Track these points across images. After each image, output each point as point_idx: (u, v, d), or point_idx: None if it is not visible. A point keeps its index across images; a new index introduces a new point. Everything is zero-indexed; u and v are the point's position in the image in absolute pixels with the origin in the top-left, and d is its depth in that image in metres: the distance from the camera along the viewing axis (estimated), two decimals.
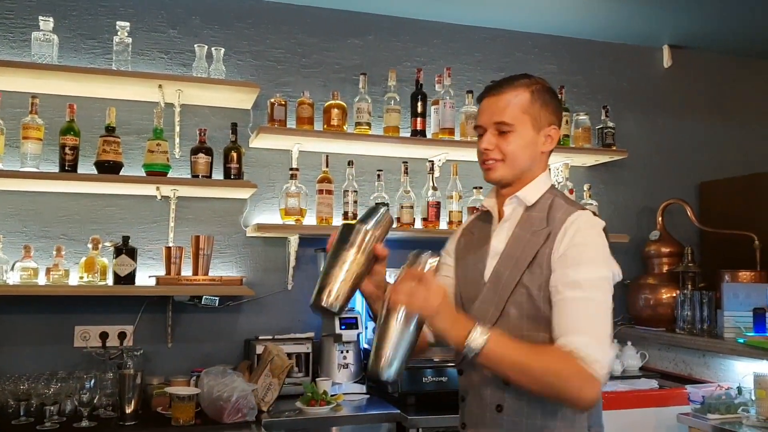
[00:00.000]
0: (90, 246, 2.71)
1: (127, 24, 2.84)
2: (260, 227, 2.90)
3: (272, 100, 2.97)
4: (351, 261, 1.36)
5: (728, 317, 2.94)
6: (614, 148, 3.46)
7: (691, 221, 3.50)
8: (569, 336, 1.33)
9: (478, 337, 1.29)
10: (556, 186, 1.66)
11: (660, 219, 3.54)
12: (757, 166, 3.65)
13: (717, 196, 3.72)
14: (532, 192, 1.54)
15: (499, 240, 1.54)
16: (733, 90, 3.98)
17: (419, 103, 3.15)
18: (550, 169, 1.56)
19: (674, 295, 3.32)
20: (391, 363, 1.29)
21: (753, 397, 2.63)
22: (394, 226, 2.88)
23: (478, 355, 1.29)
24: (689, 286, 3.29)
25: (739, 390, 2.74)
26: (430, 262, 1.38)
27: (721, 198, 3.70)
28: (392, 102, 3.11)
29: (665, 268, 3.46)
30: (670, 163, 3.79)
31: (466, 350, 1.29)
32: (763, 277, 3.13)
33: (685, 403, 2.77)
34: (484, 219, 1.64)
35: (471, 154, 3.23)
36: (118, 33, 2.82)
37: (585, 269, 1.38)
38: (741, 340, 2.77)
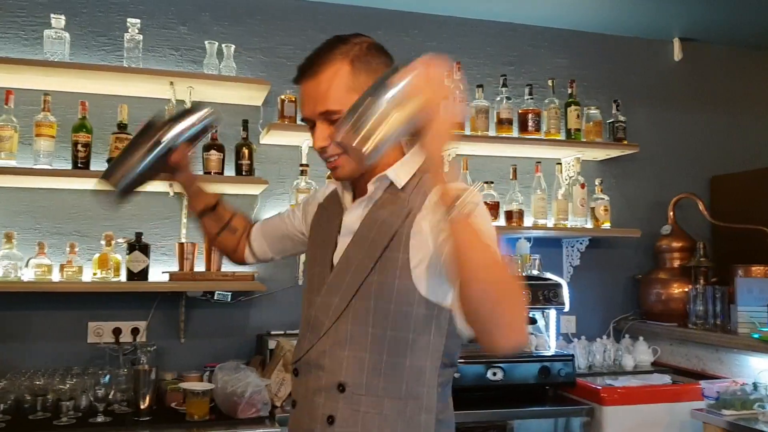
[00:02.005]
0: (103, 242, 2.72)
1: (138, 21, 2.85)
2: None
3: (282, 97, 2.98)
4: (134, 146, 1.46)
5: (742, 312, 2.93)
6: (625, 142, 3.44)
7: (702, 215, 3.48)
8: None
9: (477, 192, 1.05)
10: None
11: (671, 213, 3.52)
12: None
13: (729, 190, 3.70)
14: (403, 171, 1.32)
15: (354, 219, 1.33)
16: (744, 83, 3.95)
17: None
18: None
19: (686, 290, 3.30)
20: (374, 142, 1.04)
21: None
22: None
23: (468, 215, 1.03)
24: (701, 281, 3.28)
25: (755, 386, 2.73)
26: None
27: (733, 192, 3.67)
28: None
29: (677, 263, 3.44)
30: (682, 157, 3.77)
31: (457, 206, 1.03)
32: None
33: (699, 399, 2.76)
34: (336, 195, 1.45)
35: (481, 149, 3.24)
36: (129, 30, 2.83)
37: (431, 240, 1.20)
38: (755, 335, 2.76)
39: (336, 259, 1.34)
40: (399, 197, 1.30)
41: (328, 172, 2.97)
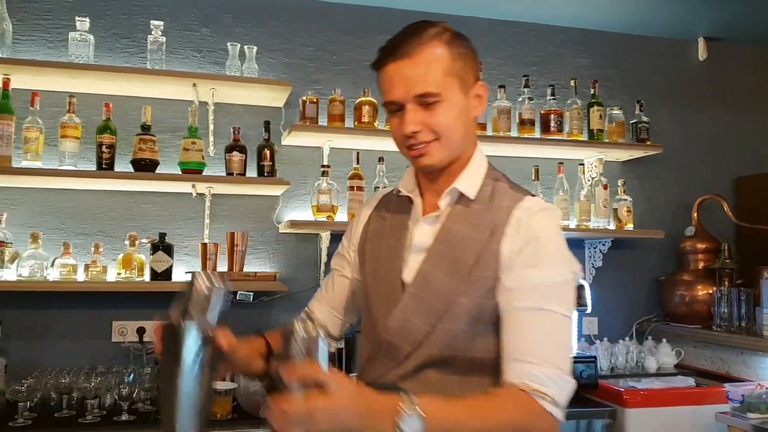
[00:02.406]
0: (127, 242, 2.75)
1: (161, 23, 2.88)
2: (293, 224, 2.91)
3: (304, 98, 2.99)
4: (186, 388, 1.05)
5: None
6: (649, 143, 3.41)
7: (727, 217, 3.43)
8: (525, 364, 1.09)
9: (409, 421, 0.94)
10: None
11: (695, 214, 3.48)
12: None
13: (754, 191, 3.65)
14: (472, 181, 1.27)
15: (425, 233, 1.26)
16: None
17: None
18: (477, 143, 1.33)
19: (710, 291, 3.26)
20: None
21: None
22: None
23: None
24: (726, 283, 3.24)
25: None
26: (321, 347, 0.98)
27: (758, 193, 3.62)
28: None
29: (701, 265, 3.40)
30: (706, 157, 3.73)
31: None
32: None
33: (724, 402, 2.72)
34: (399, 203, 1.35)
35: (503, 150, 3.23)
36: (152, 32, 2.85)
37: (545, 271, 1.15)
38: None
39: (407, 277, 1.24)
40: (473, 210, 1.24)
41: (350, 172, 3.00)
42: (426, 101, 1.18)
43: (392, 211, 1.36)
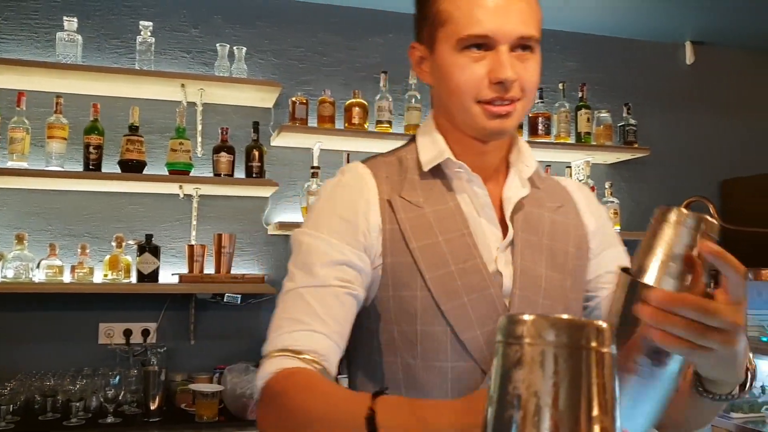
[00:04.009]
0: (114, 244, 2.74)
1: (150, 24, 2.86)
2: (281, 225, 2.91)
3: (293, 99, 2.98)
4: None
5: (751, 316, 2.91)
6: (636, 145, 3.43)
7: (713, 219, 3.46)
8: None
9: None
10: None
11: None
12: None
13: (739, 194, 3.68)
14: (530, 157, 1.09)
15: (497, 221, 1.02)
16: (756, 86, 3.93)
17: None
18: None
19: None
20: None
21: None
22: None
23: None
24: (711, 285, 3.26)
25: (763, 389, 2.73)
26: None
27: (743, 196, 3.66)
28: (413, 100, 3.11)
29: None
30: (693, 160, 3.76)
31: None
32: None
33: None
34: (428, 182, 1.03)
35: None
36: (141, 32, 2.84)
37: (624, 251, 1.08)
38: (765, 339, 2.75)
39: (494, 268, 0.98)
40: (543, 191, 1.08)
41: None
42: (525, 48, 0.96)
43: (423, 194, 1.02)
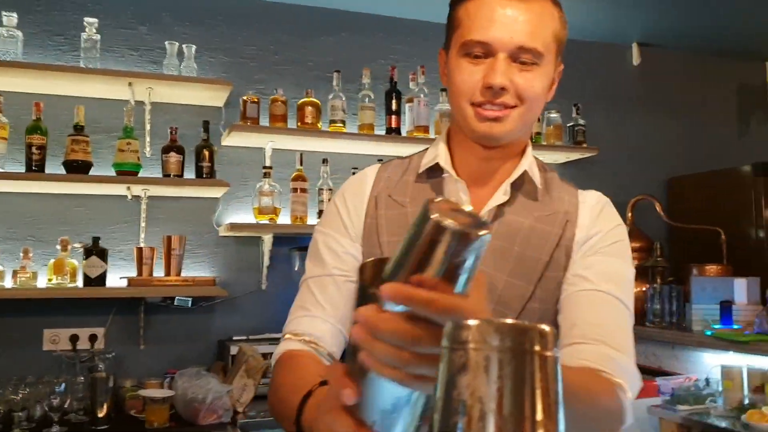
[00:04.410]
0: (59, 247, 2.66)
1: (95, 20, 2.79)
2: (233, 227, 2.87)
3: (245, 98, 2.94)
4: None
5: (696, 310, 3.00)
6: (585, 145, 3.50)
7: (659, 216, 3.56)
8: (610, 349, 0.95)
9: None
10: None
11: (630, 214, 3.59)
12: (723, 162, 3.73)
13: (685, 192, 3.80)
14: (534, 169, 1.10)
15: None
16: (699, 87, 4.06)
17: (394, 101, 3.15)
18: None
19: (644, 289, 3.37)
20: None
21: (720, 388, 2.70)
22: None
23: None
24: (658, 280, 3.35)
25: (707, 381, 2.81)
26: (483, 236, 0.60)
27: (688, 193, 3.77)
28: (367, 100, 3.10)
29: (635, 263, 3.49)
30: (640, 159, 3.85)
31: None
32: (730, 270, 3.20)
33: (656, 395, 2.82)
34: (419, 185, 1.10)
35: None
36: (86, 29, 2.76)
37: (621, 265, 1.05)
38: (709, 333, 2.83)
39: None
40: (539, 201, 1.08)
41: (293, 174, 2.97)
42: (524, 58, 0.99)
43: (412, 195, 1.09)
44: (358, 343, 0.60)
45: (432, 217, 0.60)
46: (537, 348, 0.50)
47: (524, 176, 1.08)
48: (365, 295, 0.67)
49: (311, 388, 0.82)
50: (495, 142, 1.05)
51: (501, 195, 1.06)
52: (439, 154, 1.09)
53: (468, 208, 0.65)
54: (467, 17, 1.00)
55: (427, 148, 1.15)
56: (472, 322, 0.51)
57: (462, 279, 0.62)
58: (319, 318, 1.06)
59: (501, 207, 1.06)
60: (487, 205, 1.06)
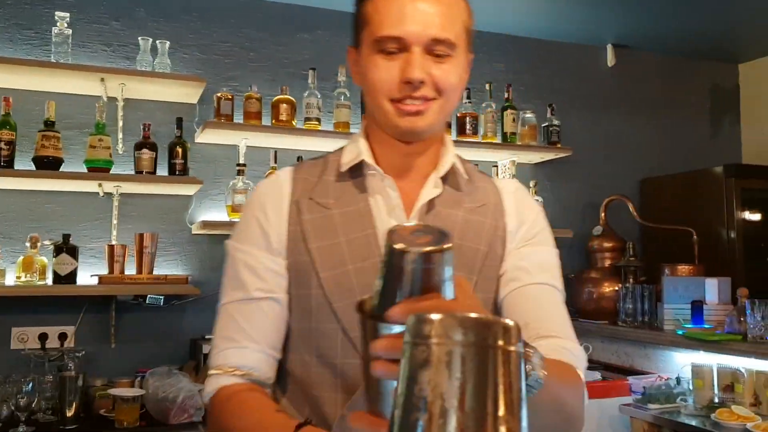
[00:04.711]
0: (28, 244, 2.62)
1: (67, 15, 2.75)
2: (206, 224, 2.85)
3: (219, 95, 2.92)
4: None
5: (668, 310, 3.03)
6: (559, 145, 3.53)
7: (632, 217, 3.59)
8: (562, 340, 0.98)
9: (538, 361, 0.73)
10: None
11: (603, 214, 3.62)
12: (695, 163, 3.78)
13: (658, 192, 3.84)
14: (457, 160, 1.10)
15: (402, 219, 1.03)
16: (673, 89, 4.10)
17: None
18: None
19: (616, 288, 3.40)
20: None
21: (691, 387, 2.73)
22: None
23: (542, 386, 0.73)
24: (631, 280, 3.38)
25: (678, 380, 2.84)
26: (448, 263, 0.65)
27: (661, 194, 3.81)
28: (342, 98, 3.10)
29: (608, 263, 3.54)
30: (613, 159, 3.89)
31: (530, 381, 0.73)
32: (701, 270, 3.24)
33: (627, 394, 2.85)
34: (341, 185, 1.06)
35: None
36: (58, 24, 2.73)
37: (550, 252, 1.09)
38: (680, 332, 2.86)
39: None
40: (465, 192, 1.08)
41: (268, 171, 2.95)
42: (438, 51, 0.98)
43: (335, 195, 1.05)
44: (385, 377, 0.61)
45: (396, 247, 0.62)
46: (501, 343, 0.49)
47: (451, 168, 1.07)
48: (368, 328, 0.67)
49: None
50: (417, 137, 1.03)
51: (432, 189, 1.05)
52: (362, 151, 1.06)
53: (420, 224, 0.67)
54: (377, 13, 0.99)
55: (342, 147, 1.12)
56: (434, 316, 0.50)
57: (448, 288, 0.65)
58: (248, 348, 1.00)
59: (432, 201, 1.05)
60: (419, 199, 1.04)
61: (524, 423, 0.49)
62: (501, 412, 0.48)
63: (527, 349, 0.72)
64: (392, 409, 0.51)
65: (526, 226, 1.08)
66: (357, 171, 1.06)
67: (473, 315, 0.49)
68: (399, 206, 1.04)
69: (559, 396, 0.83)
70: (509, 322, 0.50)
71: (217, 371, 1.00)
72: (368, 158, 1.05)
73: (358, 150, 1.06)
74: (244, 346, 1.00)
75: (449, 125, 3.29)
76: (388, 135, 1.05)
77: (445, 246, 0.62)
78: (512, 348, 0.49)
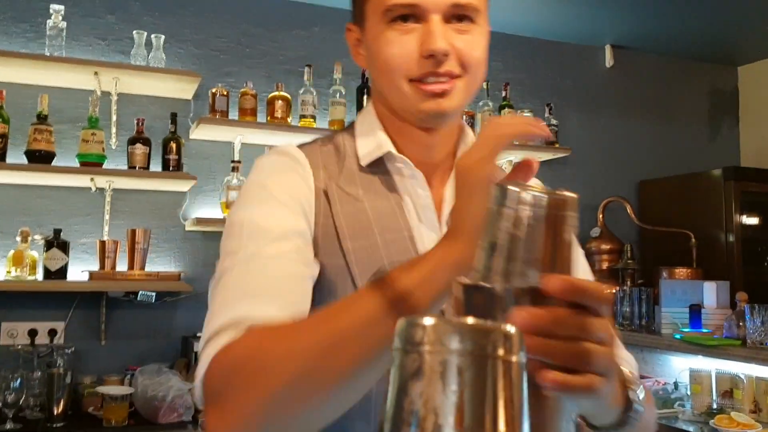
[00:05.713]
0: (19, 239, 2.59)
1: (62, 8, 2.72)
2: (200, 221, 2.82)
3: (214, 90, 2.90)
4: None
5: (665, 313, 3.00)
6: (557, 145, 3.50)
7: (630, 219, 3.57)
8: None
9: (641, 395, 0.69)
10: None
11: (600, 216, 3.60)
12: (694, 166, 3.76)
13: (656, 195, 3.81)
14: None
15: (432, 205, 0.90)
16: (672, 91, 4.08)
17: (365, 97, 3.12)
18: None
19: (614, 291, 3.38)
20: None
21: (688, 392, 2.70)
22: None
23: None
24: (628, 283, 3.36)
25: (676, 385, 2.81)
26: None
27: (659, 196, 3.79)
28: (338, 95, 3.07)
29: (605, 265, 3.52)
30: (612, 161, 3.86)
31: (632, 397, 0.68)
32: (699, 274, 3.22)
33: None
34: (366, 175, 0.91)
35: None
36: (52, 17, 2.70)
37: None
38: (678, 336, 2.83)
39: None
40: None
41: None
42: (462, 16, 0.85)
43: (363, 186, 0.90)
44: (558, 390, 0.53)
45: (523, 193, 0.55)
46: (501, 353, 0.44)
47: None
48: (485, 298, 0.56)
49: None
50: (442, 123, 0.89)
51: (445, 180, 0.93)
52: (383, 142, 0.90)
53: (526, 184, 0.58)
54: None
55: (343, 131, 0.97)
56: (427, 320, 0.44)
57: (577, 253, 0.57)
58: (273, 305, 0.75)
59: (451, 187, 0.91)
60: (445, 200, 0.92)
61: None
62: (501, 429, 0.43)
63: (630, 386, 0.65)
64: (380, 419, 0.45)
65: None
66: (378, 164, 0.91)
67: (470, 320, 0.44)
68: (430, 208, 0.90)
69: (650, 420, 0.76)
70: (510, 329, 0.44)
71: (226, 329, 0.74)
72: (394, 150, 0.90)
73: (377, 140, 0.91)
74: (277, 305, 0.76)
75: None
76: (405, 122, 0.90)
77: (575, 194, 0.54)
78: (514, 358, 0.44)
